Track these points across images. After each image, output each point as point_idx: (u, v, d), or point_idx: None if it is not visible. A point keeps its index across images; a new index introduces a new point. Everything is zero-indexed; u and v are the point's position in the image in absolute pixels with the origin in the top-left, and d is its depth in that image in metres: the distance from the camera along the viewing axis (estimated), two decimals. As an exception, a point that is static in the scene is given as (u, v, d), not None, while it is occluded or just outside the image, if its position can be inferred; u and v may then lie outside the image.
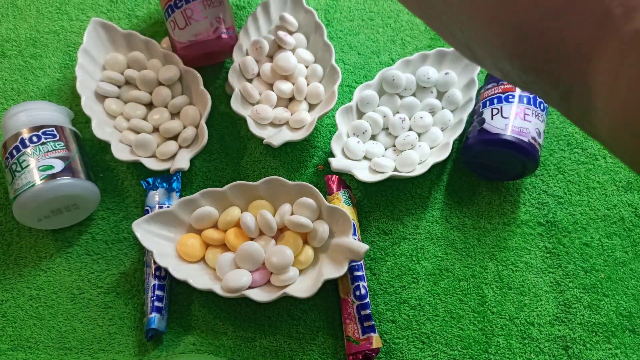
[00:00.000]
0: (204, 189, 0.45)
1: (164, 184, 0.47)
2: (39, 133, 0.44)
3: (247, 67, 0.50)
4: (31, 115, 0.45)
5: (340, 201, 0.46)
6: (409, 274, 0.46)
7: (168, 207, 0.46)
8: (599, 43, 0.18)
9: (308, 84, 0.50)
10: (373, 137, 0.50)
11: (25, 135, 0.44)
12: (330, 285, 0.45)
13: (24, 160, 0.43)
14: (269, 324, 0.44)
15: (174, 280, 0.45)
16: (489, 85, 0.49)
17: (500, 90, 0.47)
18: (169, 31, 0.50)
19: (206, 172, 0.50)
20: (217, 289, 0.41)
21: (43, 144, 0.44)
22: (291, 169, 0.50)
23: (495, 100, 0.47)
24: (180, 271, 0.42)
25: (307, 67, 0.51)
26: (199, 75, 0.49)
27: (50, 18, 0.56)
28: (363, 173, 0.46)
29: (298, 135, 0.48)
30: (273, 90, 0.50)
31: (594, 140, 0.52)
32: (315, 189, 0.44)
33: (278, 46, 0.52)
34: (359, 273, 0.43)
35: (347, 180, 0.49)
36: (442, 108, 0.50)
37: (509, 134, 0.44)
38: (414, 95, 0.51)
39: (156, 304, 0.42)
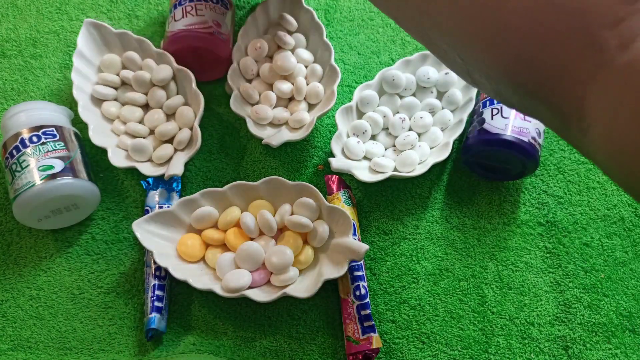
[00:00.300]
0: (204, 189, 0.45)
1: (164, 184, 0.47)
2: (39, 133, 0.44)
3: (247, 68, 0.50)
4: (31, 115, 0.45)
5: (340, 201, 0.46)
6: (409, 274, 0.46)
7: (168, 207, 0.46)
8: (595, 73, 0.18)
9: (307, 84, 0.50)
10: (373, 137, 0.50)
11: (25, 135, 0.44)
12: (330, 285, 0.45)
13: (24, 160, 0.43)
14: (269, 324, 0.44)
15: (174, 280, 0.45)
16: (489, 85, 0.49)
17: (500, 90, 0.47)
18: (166, 29, 0.50)
19: (206, 172, 0.50)
20: (217, 289, 0.41)
21: (43, 144, 0.44)
22: (291, 169, 0.50)
23: (495, 100, 0.47)
24: (180, 271, 0.42)
25: (306, 66, 0.51)
26: (191, 74, 0.49)
27: (50, 18, 0.56)
28: (363, 173, 0.46)
29: (297, 135, 0.48)
30: (272, 91, 0.50)
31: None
32: (315, 189, 0.44)
33: (277, 46, 0.52)
34: (359, 273, 0.43)
35: (347, 180, 0.49)
36: (442, 108, 0.50)
37: (509, 134, 0.44)
38: (414, 95, 0.51)
39: (156, 304, 0.42)
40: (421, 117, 0.49)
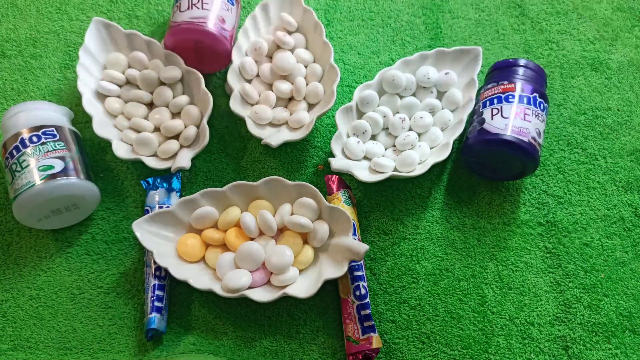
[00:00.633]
0: (204, 189, 0.45)
1: (164, 184, 0.47)
2: (39, 133, 0.44)
3: (246, 68, 0.50)
4: (31, 115, 0.45)
5: (340, 201, 0.46)
6: (409, 274, 0.46)
7: (168, 207, 0.46)
8: None
9: (307, 84, 0.50)
10: (373, 137, 0.50)
11: (25, 135, 0.44)
12: (330, 285, 0.45)
13: (24, 160, 0.43)
14: (269, 324, 0.44)
15: (174, 280, 0.45)
16: (489, 85, 0.49)
17: (500, 90, 0.47)
18: (170, 20, 0.50)
19: (206, 172, 0.50)
20: (217, 289, 0.41)
21: (43, 144, 0.44)
22: (291, 169, 0.50)
23: (495, 100, 0.47)
24: (180, 271, 0.42)
25: (306, 66, 0.51)
26: (200, 75, 0.49)
27: (50, 18, 0.56)
28: (363, 173, 0.46)
29: (297, 135, 0.48)
30: (272, 91, 0.50)
31: (594, 140, 0.52)
32: (315, 189, 0.44)
33: (277, 46, 0.52)
34: (359, 273, 0.43)
35: (347, 180, 0.49)
36: (442, 108, 0.50)
37: (509, 134, 0.44)
38: (414, 95, 0.51)
39: (156, 304, 0.42)
40: (421, 117, 0.49)
